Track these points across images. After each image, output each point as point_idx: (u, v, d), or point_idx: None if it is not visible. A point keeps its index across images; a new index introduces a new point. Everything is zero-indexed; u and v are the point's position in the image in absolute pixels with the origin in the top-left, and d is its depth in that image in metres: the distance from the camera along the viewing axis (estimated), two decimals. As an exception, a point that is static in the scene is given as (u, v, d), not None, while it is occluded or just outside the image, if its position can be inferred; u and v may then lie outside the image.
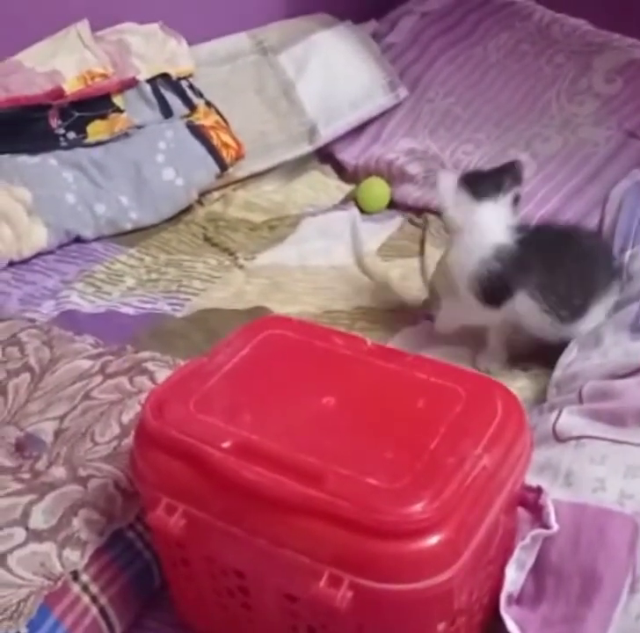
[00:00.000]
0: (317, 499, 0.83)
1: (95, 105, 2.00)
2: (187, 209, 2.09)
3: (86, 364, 1.33)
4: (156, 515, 0.90)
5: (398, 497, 0.82)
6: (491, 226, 1.44)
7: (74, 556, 1.00)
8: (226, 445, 0.89)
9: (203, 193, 2.12)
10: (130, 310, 1.68)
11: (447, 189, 1.48)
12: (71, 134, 1.97)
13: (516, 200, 1.46)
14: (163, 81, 2.09)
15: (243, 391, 0.98)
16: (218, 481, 0.87)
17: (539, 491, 0.98)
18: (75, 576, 0.99)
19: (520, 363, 1.52)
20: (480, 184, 1.45)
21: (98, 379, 1.29)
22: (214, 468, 0.88)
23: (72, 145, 1.97)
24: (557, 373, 1.36)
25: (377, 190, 2.16)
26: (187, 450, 0.89)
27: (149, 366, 1.31)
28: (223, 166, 2.09)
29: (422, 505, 0.81)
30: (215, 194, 2.16)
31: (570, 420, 1.17)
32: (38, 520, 1.02)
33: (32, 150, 1.92)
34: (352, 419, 0.94)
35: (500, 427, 0.91)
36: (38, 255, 1.87)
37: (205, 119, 2.11)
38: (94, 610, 0.98)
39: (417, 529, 0.81)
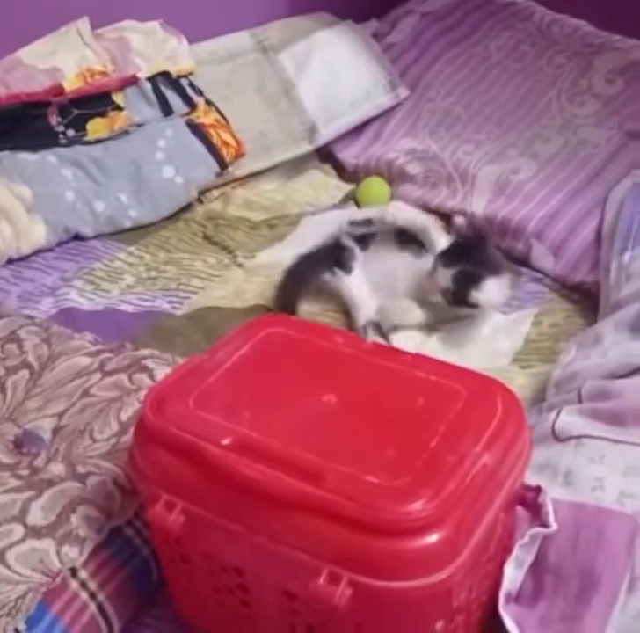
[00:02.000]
0: (317, 497, 0.83)
1: (95, 102, 2.00)
2: (187, 208, 2.09)
3: (85, 361, 1.33)
4: (155, 512, 0.90)
5: (398, 494, 0.82)
6: None
7: (72, 553, 1.00)
8: (226, 442, 0.89)
9: (203, 192, 2.12)
10: (129, 308, 1.67)
11: None
12: (71, 132, 1.97)
13: None
14: (163, 79, 2.09)
15: (243, 389, 0.98)
16: (217, 478, 0.87)
17: (538, 490, 0.99)
18: (73, 572, 0.99)
19: (520, 361, 1.53)
20: None
21: (97, 376, 1.29)
22: (213, 465, 0.88)
23: (72, 142, 1.97)
24: (557, 372, 1.36)
25: (377, 189, 2.15)
26: (187, 447, 0.89)
27: (149, 363, 1.30)
28: (223, 165, 2.09)
29: (422, 503, 0.81)
30: (215, 193, 2.16)
31: (569, 420, 1.17)
32: (36, 517, 1.02)
33: (32, 147, 1.92)
34: (352, 417, 0.94)
35: (500, 426, 0.91)
36: (37, 252, 1.87)
37: (205, 117, 2.11)
38: (93, 606, 0.98)
39: (416, 527, 0.81)
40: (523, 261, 1.90)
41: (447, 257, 1.57)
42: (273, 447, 0.88)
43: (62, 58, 1.99)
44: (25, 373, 1.32)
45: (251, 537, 0.86)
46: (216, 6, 2.29)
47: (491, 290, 1.55)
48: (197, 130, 2.08)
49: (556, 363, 1.41)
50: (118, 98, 2.03)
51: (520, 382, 1.44)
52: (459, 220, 1.55)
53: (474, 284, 1.54)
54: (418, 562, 0.81)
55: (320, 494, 0.83)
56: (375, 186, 2.16)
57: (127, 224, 1.98)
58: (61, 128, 1.96)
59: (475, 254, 1.56)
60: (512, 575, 0.97)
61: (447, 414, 0.92)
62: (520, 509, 0.99)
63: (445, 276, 1.55)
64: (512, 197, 1.96)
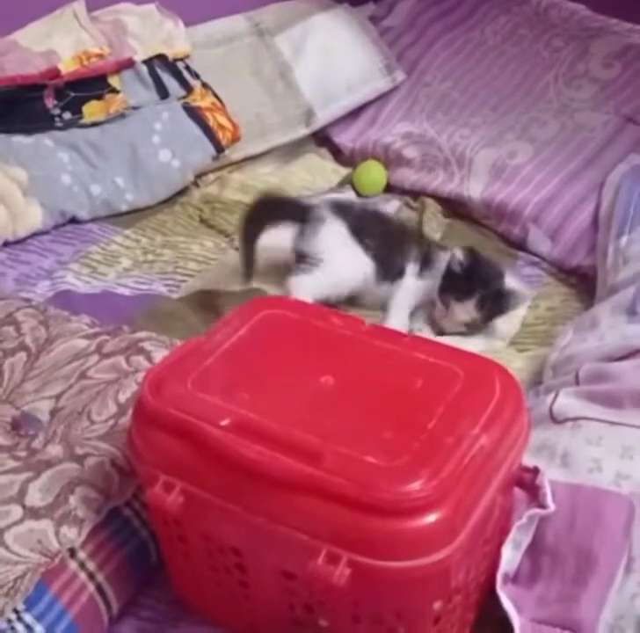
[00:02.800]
0: (315, 477, 0.83)
1: (91, 85, 1.99)
2: (183, 191, 2.09)
3: (82, 343, 1.33)
4: (153, 493, 0.90)
5: (396, 475, 0.82)
6: None
7: (71, 534, 1.00)
8: (224, 423, 0.89)
9: (199, 175, 2.12)
10: (126, 291, 1.67)
11: None
12: (67, 115, 1.97)
13: None
14: (159, 62, 2.09)
15: (241, 370, 0.98)
16: (216, 458, 0.87)
17: (536, 471, 0.99)
18: (72, 553, 0.99)
19: (517, 344, 1.53)
20: None
21: (95, 358, 1.29)
22: (212, 445, 0.88)
23: (68, 125, 1.96)
24: (554, 355, 1.36)
25: (374, 173, 2.15)
26: (185, 428, 0.89)
27: (146, 345, 1.30)
28: (219, 148, 2.09)
29: (420, 484, 0.81)
30: (211, 176, 2.16)
31: (566, 402, 1.18)
32: (34, 498, 1.02)
33: (28, 130, 1.92)
34: (350, 399, 0.94)
35: (498, 407, 0.91)
36: (33, 235, 1.87)
37: (201, 100, 2.11)
38: (91, 587, 0.98)
39: (415, 507, 0.81)
40: (520, 245, 1.90)
41: (457, 291, 1.55)
42: (272, 427, 0.88)
43: (58, 41, 1.98)
44: (22, 355, 1.32)
45: (250, 518, 0.86)
46: (212, -11, 2.28)
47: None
48: (193, 113, 2.07)
49: (552, 346, 1.42)
50: (114, 80, 2.02)
51: (517, 365, 1.44)
52: (457, 254, 1.54)
53: (499, 305, 1.55)
54: (416, 542, 0.81)
55: (319, 474, 0.83)
56: (372, 170, 2.16)
57: (124, 208, 1.98)
58: (57, 111, 1.96)
59: (480, 277, 1.55)
60: (510, 556, 0.97)
61: (445, 396, 0.92)
62: (517, 490, 0.99)
63: (465, 310, 1.55)
64: (508, 181, 1.96)
